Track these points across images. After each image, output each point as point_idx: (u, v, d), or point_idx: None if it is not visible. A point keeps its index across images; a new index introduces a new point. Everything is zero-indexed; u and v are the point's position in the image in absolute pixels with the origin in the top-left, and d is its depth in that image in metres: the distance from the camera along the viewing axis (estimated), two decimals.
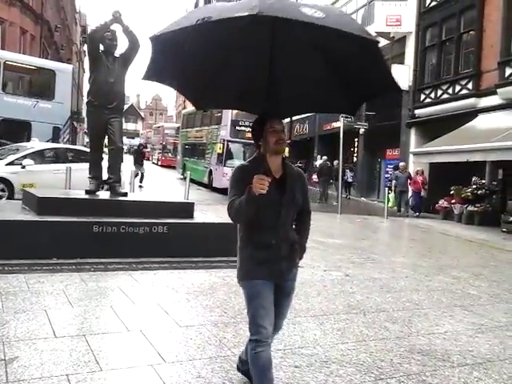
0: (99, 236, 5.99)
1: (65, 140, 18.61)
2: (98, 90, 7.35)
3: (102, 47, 7.39)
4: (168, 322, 4.10)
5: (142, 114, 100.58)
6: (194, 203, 7.65)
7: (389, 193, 16.68)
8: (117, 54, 7.54)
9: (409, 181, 16.76)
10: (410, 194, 17.09)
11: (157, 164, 40.35)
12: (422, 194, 16.80)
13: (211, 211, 10.70)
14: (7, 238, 5.52)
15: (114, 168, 7.55)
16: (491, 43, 15.67)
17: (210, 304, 4.70)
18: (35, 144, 12.59)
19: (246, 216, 2.56)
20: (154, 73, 2.65)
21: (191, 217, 7.18)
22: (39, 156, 11.44)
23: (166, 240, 6.42)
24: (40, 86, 19.06)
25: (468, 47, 17.24)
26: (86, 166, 7.56)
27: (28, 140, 14.95)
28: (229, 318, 4.32)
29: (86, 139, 70.65)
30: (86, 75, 73.91)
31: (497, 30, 15.36)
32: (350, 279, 6.35)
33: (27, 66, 18.55)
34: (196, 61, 2.69)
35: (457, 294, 6.11)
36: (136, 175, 17.40)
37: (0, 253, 5.39)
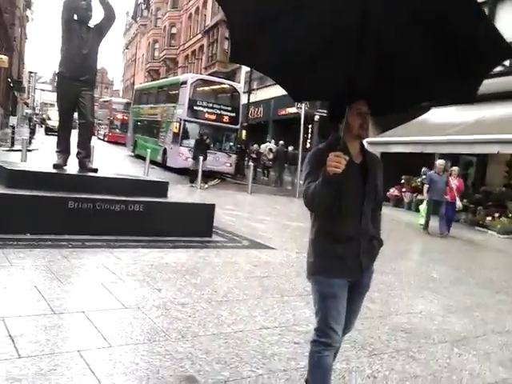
0: (75, 212, 5.82)
1: None
2: (70, 61, 7.07)
3: (75, 17, 7.10)
4: (162, 299, 4.11)
5: None
6: (168, 182, 7.58)
7: (419, 204, 13.50)
8: (91, 24, 7.27)
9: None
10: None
11: (103, 140, 39.10)
12: (458, 204, 11.25)
13: (173, 191, 10.61)
14: None
15: (84, 142, 7.32)
16: None
17: (198, 283, 4.74)
18: None
19: (321, 202, 2.28)
20: (242, 55, 2.47)
21: (165, 196, 7.13)
22: None
23: (142, 218, 6.34)
24: None
25: None
26: None
27: None
28: (220, 297, 4.39)
29: (26, 110, 67.44)
30: (28, 42, 70.13)
31: None
32: None
33: None
34: (289, 48, 2.44)
35: (422, 276, 6.48)
36: None
37: None
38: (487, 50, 2.24)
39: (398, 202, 16.79)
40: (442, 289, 5.95)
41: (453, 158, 15.96)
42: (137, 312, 3.73)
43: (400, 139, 15.38)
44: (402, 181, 16.54)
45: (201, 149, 16.27)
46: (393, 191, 17.00)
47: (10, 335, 3.01)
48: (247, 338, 3.53)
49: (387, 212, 15.04)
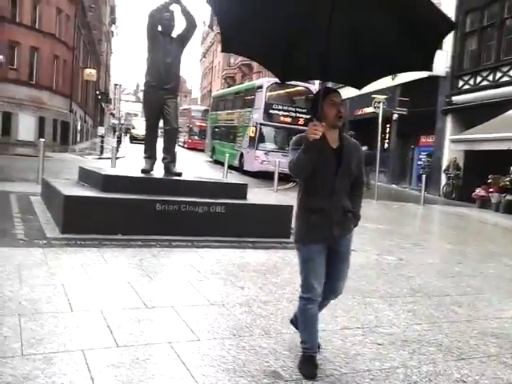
0: (162, 214, 6.14)
1: None
2: (155, 70, 7.45)
3: (160, 28, 7.48)
4: (245, 297, 4.23)
5: None
6: (247, 184, 7.76)
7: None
8: (174, 34, 7.63)
9: None
10: None
11: (183, 147, 40.52)
12: None
13: (251, 194, 10.82)
14: (78, 213, 5.71)
15: (169, 148, 7.68)
16: None
17: (278, 282, 4.82)
18: None
19: (303, 167, 2.78)
20: (232, 44, 2.97)
21: (245, 198, 7.30)
22: None
23: (224, 219, 6.54)
24: None
25: (510, 33, 16.85)
26: None
27: None
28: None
29: (113, 120, 71.47)
30: (114, 56, 74.32)
31: None
32: (406, 263, 6.40)
33: None
34: (271, 32, 2.90)
35: None
36: None
37: (71, 227, 5.59)
38: (436, 24, 2.75)
39: (484, 203, 15.92)
40: None
41: None
42: (222, 308, 3.87)
43: (485, 136, 14.61)
44: (489, 180, 15.65)
45: None
46: (479, 191, 16.15)
47: (108, 326, 3.26)
48: (329, 338, 3.55)
49: (472, 213, 14.36)
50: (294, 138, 2.95)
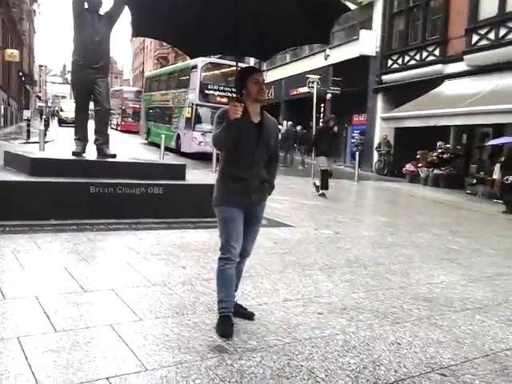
0: (96, 197, 5.94)
1: None
2: (83, 49, 7.15)
3: (86, 5, 7.14)
4: (187, 275, 4.21)
5: None
6: (185, 165, 7.66)
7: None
8: (101, 12, 7.31)
9: None
10: None
11: (116, 129, 39.19)
12: None
13: (189, 175, 10.71)
14: (4, 199, 5.40)
15: (101, 129, 7.42)
16: (458, 10, 16.02)
17: None
18: None
19: (225, 140, 3.00)
20: (141, 27, 3.07)
21: (183, 178, 7.21)
22: None
23: (162, 201, 6.44)
24: None
25: (435, 14, 17.56)
26: None
27: None
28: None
29: (39, 103, 67.85)
30: (38, 36, 70.05)
31: None
32: (342, 237, 6.62)
33: None
34: (178, 10, 3.01)
35: (441, 248, 6.50)
36: None
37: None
38: (330, 6, 3.08)
39: (413, 178, 16.70)
40: (463, 259, 5.97)
41: (468, 131, 15.83)
42: (163, 288, 3.84)
43: (413, 113, 15.25)
44: (418, 156, 16.41)
45: (327, 141, 10.80)
46: (408, 167, 16.90)
47: (44, 312, 3.14)
48: (271, 310, 3.62)
49: (403, 187, 15.05)
50: (219, 111, 3.10)
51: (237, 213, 3.11)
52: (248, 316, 3.41)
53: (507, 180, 11.28)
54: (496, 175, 13.06)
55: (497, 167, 13.11)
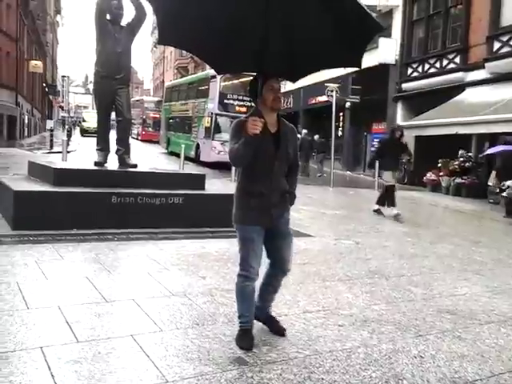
0: (118, 207, 6.01)
1: None
2: (105, 60, 7.27)
3: (108, 16, 7.27)
4: (208, 286, 4.22)
5: None
6: (205, 175, 7.70)
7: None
8: (123, 23, 7.44)
9: None
10: None
11: (137, 139, 39.66)
12: None
13: (209, 184, 10.76)
14: (29, 209, 5.50)
15: (123, 139, 7.53)
16: (479, 17, 15.85)
17: None
18: None
19: (243, 158, 2.87)
20: (169, 36, 2.97)
21: (203, 188, 7.25)
22: None
23: (182, 210, 6.48)
24: None
25: (456, 21, 17.41)
26: None
27: None
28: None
29: (62, 113, 69.14)
30: (61, 47, 71.72)
31: (485, 4, 15.53)
32: (362, 247, 6.55)
33: None
34: (208, 23, 2.92)
35: (464, 259, 6.38)
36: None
37: (23, 223, 5.38)
38: (365, 26, 2.92)
39: (435, 187, 16.47)
40: (487, 271, 5.85)
41: (490, 139, 15.56)
42: (183, 298, 3.85)
43: (434, 121, 15.07)
44: (439, 165, 16.20)
45: (393, 153, 9.64)
46: (429, 176, 16.69)
47: (66, 321, 3.18)
48: (292, 322, 3.59)
49: (424, 197, 14.84)
50: (235, 122, 3.01)
51: (257, 231, 3.00)
52: (279, 331, 3.31)
53: (503, 186, 11.44)
54: (491, 181, 13.53)
55: (492, 174, 13.41)
